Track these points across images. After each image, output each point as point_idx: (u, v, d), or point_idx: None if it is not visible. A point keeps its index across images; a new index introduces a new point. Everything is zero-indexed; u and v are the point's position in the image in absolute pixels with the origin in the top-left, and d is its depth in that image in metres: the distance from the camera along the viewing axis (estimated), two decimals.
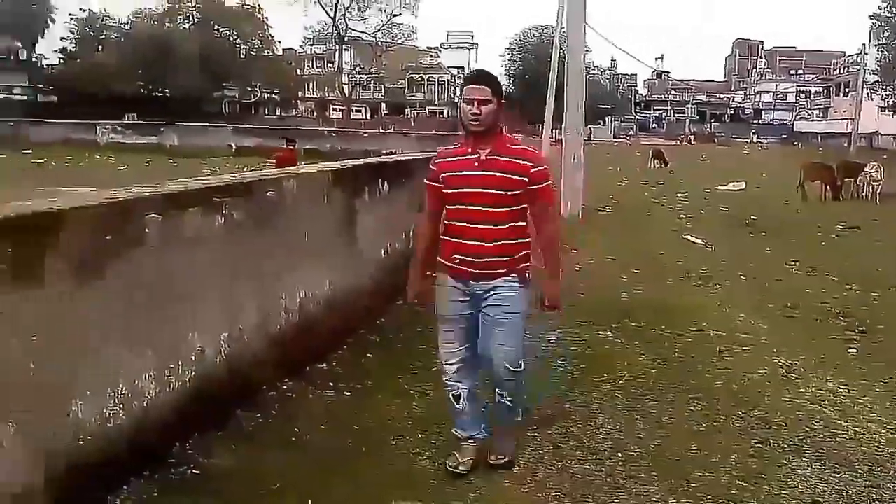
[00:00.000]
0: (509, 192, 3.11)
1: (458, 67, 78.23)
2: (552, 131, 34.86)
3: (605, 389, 4.49)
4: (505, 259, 3.16)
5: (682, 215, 13.56)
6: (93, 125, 33.07)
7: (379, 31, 67.97)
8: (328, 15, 65.84)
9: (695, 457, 3.63)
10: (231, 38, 61.15)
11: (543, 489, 3.29)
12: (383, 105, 76.60)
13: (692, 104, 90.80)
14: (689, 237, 10.89)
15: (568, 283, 7.10)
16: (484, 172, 3.12)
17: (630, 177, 22.89)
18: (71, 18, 60.75)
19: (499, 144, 3.16)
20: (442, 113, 70.81)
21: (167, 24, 59.45)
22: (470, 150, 3.18)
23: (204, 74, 55.40)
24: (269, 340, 4.18)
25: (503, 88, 3.26)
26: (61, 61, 61.12)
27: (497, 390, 3.37)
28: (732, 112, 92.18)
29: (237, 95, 67.63)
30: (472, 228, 3.14)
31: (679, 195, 17.22)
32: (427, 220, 3.39)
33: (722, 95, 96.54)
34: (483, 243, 3.13)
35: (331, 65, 71.40)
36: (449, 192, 3.20)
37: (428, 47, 79.26)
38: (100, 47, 59.46)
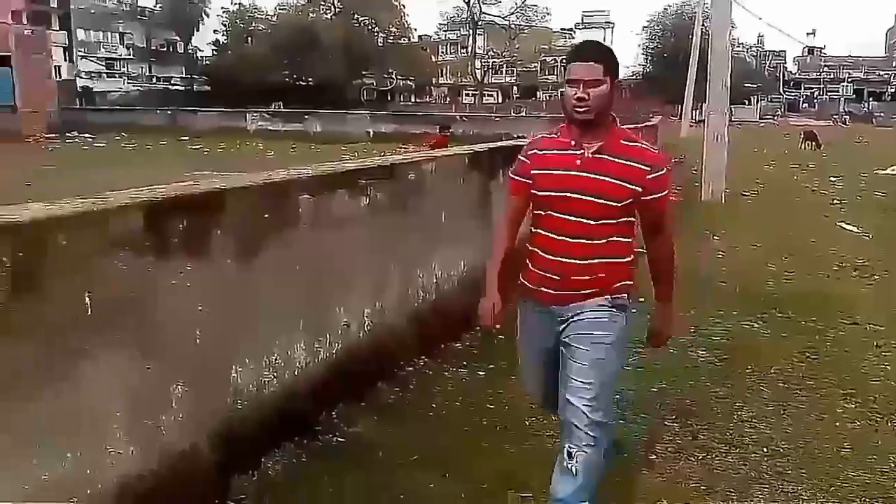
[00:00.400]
0: (617, 203, 2.47)
1: None
2: (692, 111, 33.40)
3: (749, 382, 4.30)
4: (596, 278, 2.53)
5: (835, 201, 12.63)
6: (242, 113, 35.08)
7: (513, 14, 67.84)
8: (463, 0, 66.31)
9: (848, 456, 3.42)
10: (370, 27, 62.97)
11: (682, 479, 3.22)
12: (515, 88, 76.27)
13: (848, 82, 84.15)
14: (843, 224, 10.14)
15: (708, 270, 6.91)
16: (588, 174, 2.47)
17: (777, 159, 21.56)
18: (223, 12, 64.74)
19: (611, 139, 2.49)
20: None
21: (310, 15, 62.02)
22: (573, 142, 2.52)
23: (344, 63, 57.43)
24: (408, 318, 4.33)
25: (618, 64, 2.55)
26: (214, 53, 65.27)
27: (566, 446, 2.53)
28: (894, 90, 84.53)
29: (375, 83, 69.60)
30: (563, 242, 2.52)
31: (832, 179, 16.05)
32: (506, 223, 2.75)
33: (882, 72, 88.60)
34: (573, 261, 2.52)
35: (464, 50, 71.97)
36: (540, 193, 2.57)
37: (562, 29, 78.10)
38: (249, 39, 62.97)
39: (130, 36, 63.48)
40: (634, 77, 68.66)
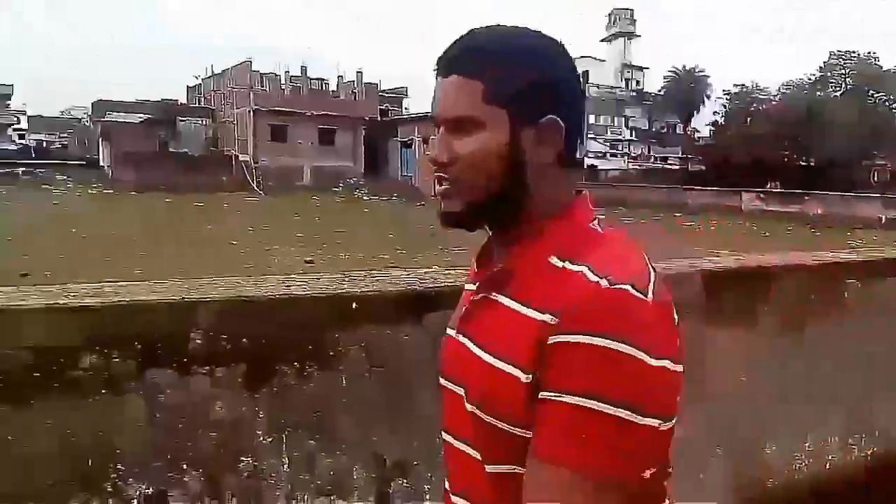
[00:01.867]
0: (498, 422, 1.01)
1: None
2: None
3: None
4: None
5: None
6: (737, 192, 34.74)
7: None
8: None
9: None
10: (887, 103, 56.59)
11: None
12: None
13: None
14: None
15: None
16: (461, 337, 1.12)
17: None
18: (724, 94, 65.29)
19: (533, 250, 1.05)
20: None
21: (818, 93, 58.54)
22: (475, 262, 1.20)
23: (852, 142, 52.49)
24: None
25: (544, 74, 1.02)
26: (711, 133, 66.09)
27: None
28: None
29: (888, 164, 61.87)
30: (452, 464, 1.16)
31: None
32: None
33: None
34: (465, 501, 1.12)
35: None
36: None
37: None
38: (748, 119, 62.09)
39: (635, 119, 68.57)
40: None
